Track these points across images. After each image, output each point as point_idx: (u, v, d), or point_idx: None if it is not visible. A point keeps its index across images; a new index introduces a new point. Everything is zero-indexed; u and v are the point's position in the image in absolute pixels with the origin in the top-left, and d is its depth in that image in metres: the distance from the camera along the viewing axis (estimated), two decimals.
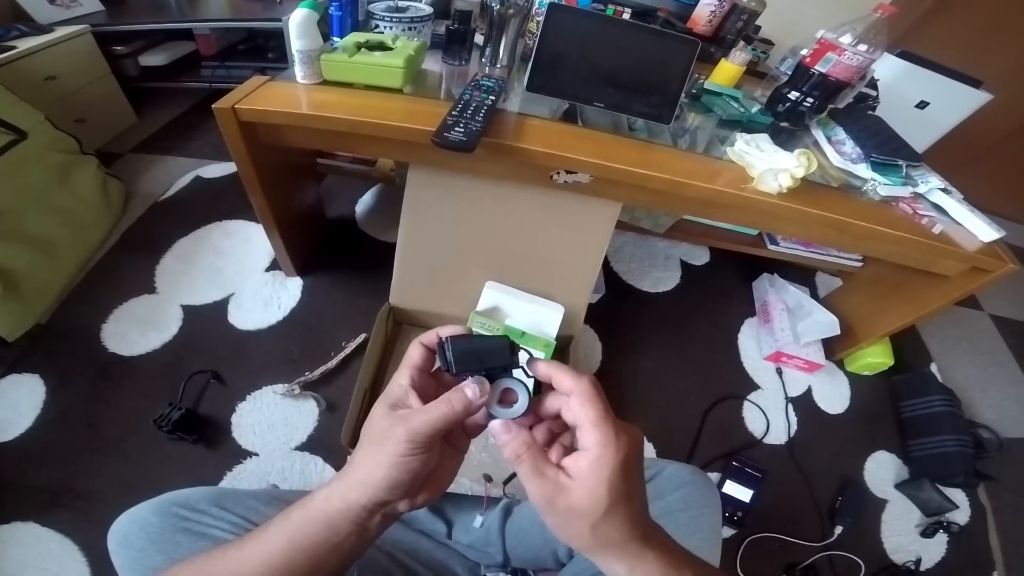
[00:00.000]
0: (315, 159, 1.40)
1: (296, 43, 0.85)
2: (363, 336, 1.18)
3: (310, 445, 1.04)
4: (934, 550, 1.18)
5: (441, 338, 0.38)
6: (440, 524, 0.78)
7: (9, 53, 1.29)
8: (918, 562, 1.14)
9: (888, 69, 1.52)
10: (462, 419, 0.36)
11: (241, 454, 1.01)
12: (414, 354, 0.39)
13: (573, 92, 0.98)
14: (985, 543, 1.23)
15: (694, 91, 1.16)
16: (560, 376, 0.36)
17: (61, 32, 1.44)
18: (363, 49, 0.91)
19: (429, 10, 1.07)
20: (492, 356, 0.38)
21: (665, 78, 0.97)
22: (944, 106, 1.63)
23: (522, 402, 0.36)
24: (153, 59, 1.71)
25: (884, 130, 1.12)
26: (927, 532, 1.18)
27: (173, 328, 1.17)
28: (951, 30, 1.99)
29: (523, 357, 0.39)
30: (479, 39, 1.13)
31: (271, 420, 1.06)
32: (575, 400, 0.34)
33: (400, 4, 1.07)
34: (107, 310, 1.17)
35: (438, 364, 0.39)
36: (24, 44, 1.34)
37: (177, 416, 0.99)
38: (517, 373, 0.38)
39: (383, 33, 0.99)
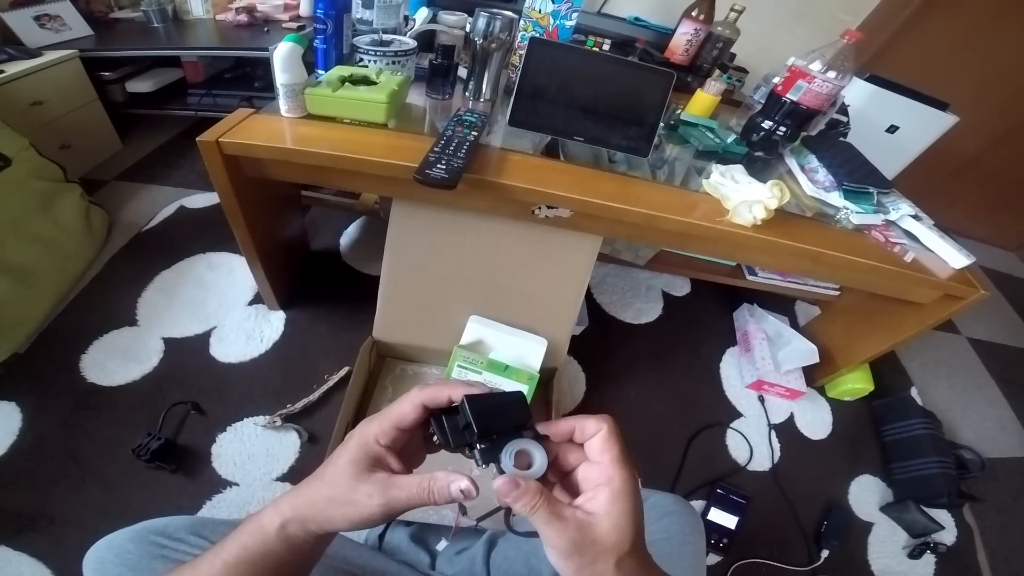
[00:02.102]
0: (299, 191, 1.40)
1: (280, 76, 0.86)
2: (346, 369, 1.18)
3: (291, 476, 1.03)
4: (922, 571, 1.18)
5: (453, 401, 0.37)
6: (423, 555, 0.78)
7: None
8: None
9: (858, 94, 1.56)
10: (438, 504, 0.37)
11: (221, 484, 1.00)
12: (407, 414, 0.38)
13: (553, 126, 1.01)
14: (974, 562, 1.24)
15: (671, 122, 1.18)
16: (582, 423, 0.37)
17: (50, 56, 1.43)
18: (347, 83, 0.92)
19: (413, 44, 1.09)
20: (512, 413, 0.37)
21: (642, 110, 1.00)
22: (913, 129, 1.67)
23: (540, 463, 0.36)
24: (140, 85, 1.71)
25: (855, 157, 1.14)
26: (914, 553, 1.19)
27: (154, 360, 1.15)
28: (917, 53, 2.04)
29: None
30: (463, 72, 1.15)
31: (252, 451, 1.05)
32: (599, 439, 0.36)
33: (384, 38, 1.08)
34: (87, 341, 1.15)
35: (436, 438, 0.38)
36: (12, 68, 1.33)
37: (156, 446, 0.97)
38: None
39: (367, 67, 1.00)
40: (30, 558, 0.87)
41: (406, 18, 1.24)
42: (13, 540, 0.88)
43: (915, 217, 1.08)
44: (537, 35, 1.13)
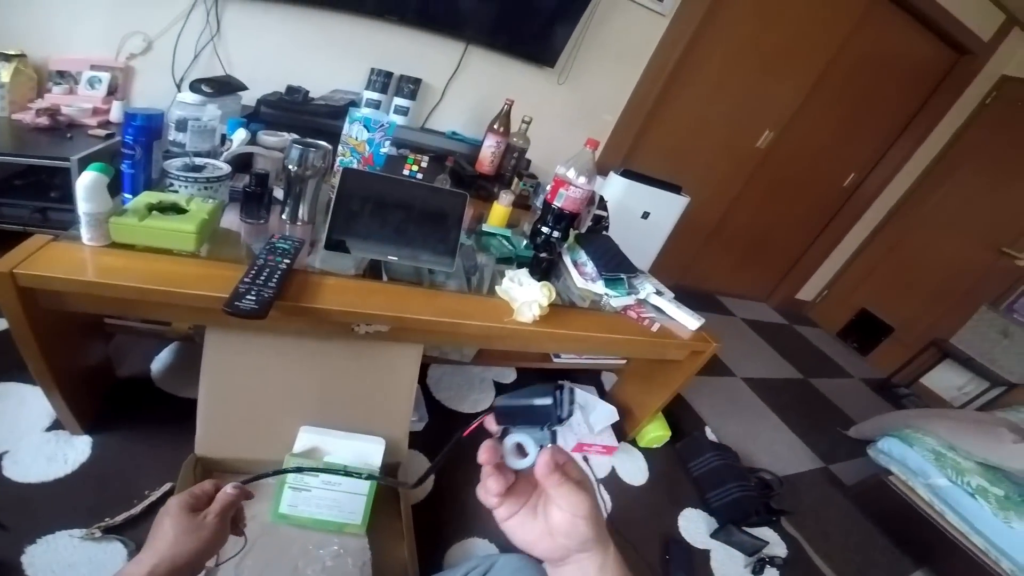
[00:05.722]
0: (103, 319, 1.28)
1: (83, 205, 0.82)
2: (169, 485, 1.10)
3: None
4: None
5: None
6: None
7: None
8: None
9: (616, 188, 1.78)
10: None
11: None
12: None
13: (368, 248, 1.08)
14: (814, 568, 1.43)
15: (476, 233, 1.34)
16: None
17: None
18: (155, 211, 0.89)
19: (226, 169, 1.07)
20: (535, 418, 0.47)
21: (446, 228, 1.13)
22: (661, 213, 1.92)
23: (532, 455, 0.46)
24: None
25: (611, 248, 1.35)
26: (756, 570, 1.33)
27: None
28: (658, 144, 2.37)
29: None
30: (280, 193, 1.16)
31: (71, 560, 0.93)
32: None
33: (196, 162, 1.06)
34: None
35: None
36: None
37: None
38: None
39: (177, 192, 0.98)
40: None
41: (223, 137, 1.24)
42: None
43: (658, 293, 1.33)
44: (353, 161, 1.24)
